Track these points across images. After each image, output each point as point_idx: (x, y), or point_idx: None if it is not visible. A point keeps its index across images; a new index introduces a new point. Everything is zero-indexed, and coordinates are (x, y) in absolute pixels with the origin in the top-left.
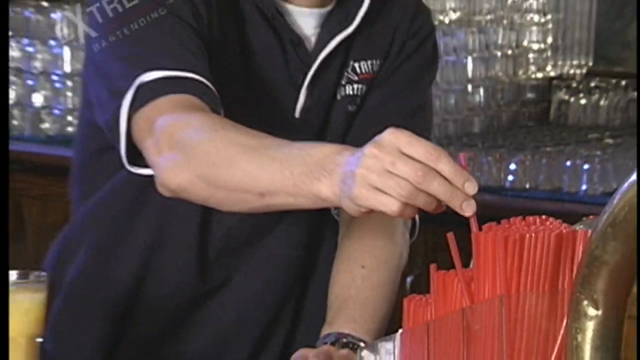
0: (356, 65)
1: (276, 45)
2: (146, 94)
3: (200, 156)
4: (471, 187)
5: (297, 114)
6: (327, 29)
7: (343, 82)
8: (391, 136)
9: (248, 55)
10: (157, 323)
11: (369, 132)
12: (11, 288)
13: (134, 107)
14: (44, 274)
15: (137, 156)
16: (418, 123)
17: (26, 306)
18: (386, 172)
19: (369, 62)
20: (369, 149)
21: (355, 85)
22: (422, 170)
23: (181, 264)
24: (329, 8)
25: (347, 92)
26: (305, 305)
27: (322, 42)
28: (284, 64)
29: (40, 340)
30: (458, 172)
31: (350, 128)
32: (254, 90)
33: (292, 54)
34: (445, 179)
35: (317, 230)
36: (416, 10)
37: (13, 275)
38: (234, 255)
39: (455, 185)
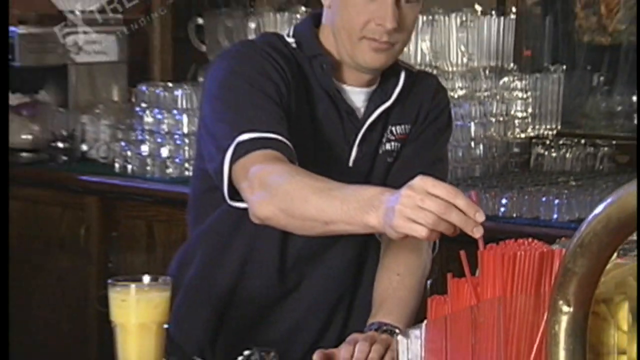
0: (393, 128)
1: (335, 114)
2: (243, 150)
3: (281, 195)
4: (480, 216)
5: (350, 164)
6: (372, 102)
7: (384, 141)
8: (420, 181)
9: (315, 121)
10: (248, 313)
11: (403, 177)
12: (145, 288)
13: (233, 159)
14: (169, 278)
15: (235, 194)
16: (438, 170)
17: (156, 301)
18: (417, 207)
19: (403, 126)
20: (404, 190)
21: (393, 143)
22: (444, 205)
23: (266, 271)
24: (373, 87)
25: (386, 148)
26: (355, 302)
27: (368, 112)
28: (340, 127)
29: (166, 326)
30: (470, 206)
31: (389, 174)
32: (319, 147)
33: (347, 121)
34: (461, 211)
35: (364, 248)
36: (436, 89)
37: (147, 278)
38: (304, 265)
39: (468, 215)
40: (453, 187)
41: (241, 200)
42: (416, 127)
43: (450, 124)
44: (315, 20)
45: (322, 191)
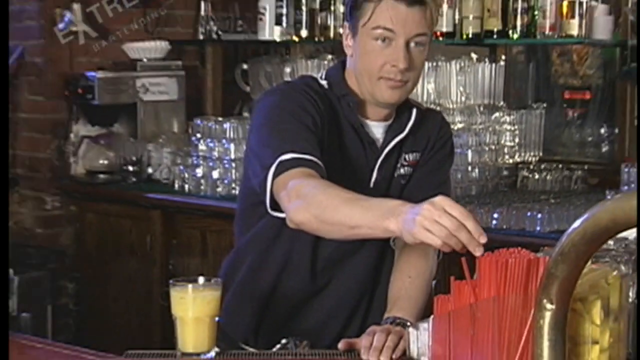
0: (406, 156)
1: (359, 143)
2: (283, 167)
3: (314, 204)
4: (483, 239)
5: (371, 185)
6: (389, 134)
7: (398, 166)
8: (440, 200)
9: (342, 149)
10: (285, 308)
11: (414, 196)
12: (200, 288)
13: (275, 175)
14: (219, 279)
15: (275, 205)
16: (444, 191)
17: (209, 298)
18: (434, 221)
19: (414, 154)
20: (426, 204)
21: (406, 168)
22: (456, 224)
23: (300, 273)
24: (390, 121)
25: (400, 172)
26: (374, 299)
27: (386, 142)
28: (363, 154)
29: (217, 319)
30: (477, 229)
31: (402, 194)
32: (345, 170)
33: (368, 149)
34: (468, 231)
35: (382, 255)
36: (441, 123)
37: (201, 279)
38: (332, 268)
39: (473, 236)
40: (466, 210)
41: (280, 211)
42: (425, 155)
43: (453, 152)
44: (343, 65)
45: (350, 200)
